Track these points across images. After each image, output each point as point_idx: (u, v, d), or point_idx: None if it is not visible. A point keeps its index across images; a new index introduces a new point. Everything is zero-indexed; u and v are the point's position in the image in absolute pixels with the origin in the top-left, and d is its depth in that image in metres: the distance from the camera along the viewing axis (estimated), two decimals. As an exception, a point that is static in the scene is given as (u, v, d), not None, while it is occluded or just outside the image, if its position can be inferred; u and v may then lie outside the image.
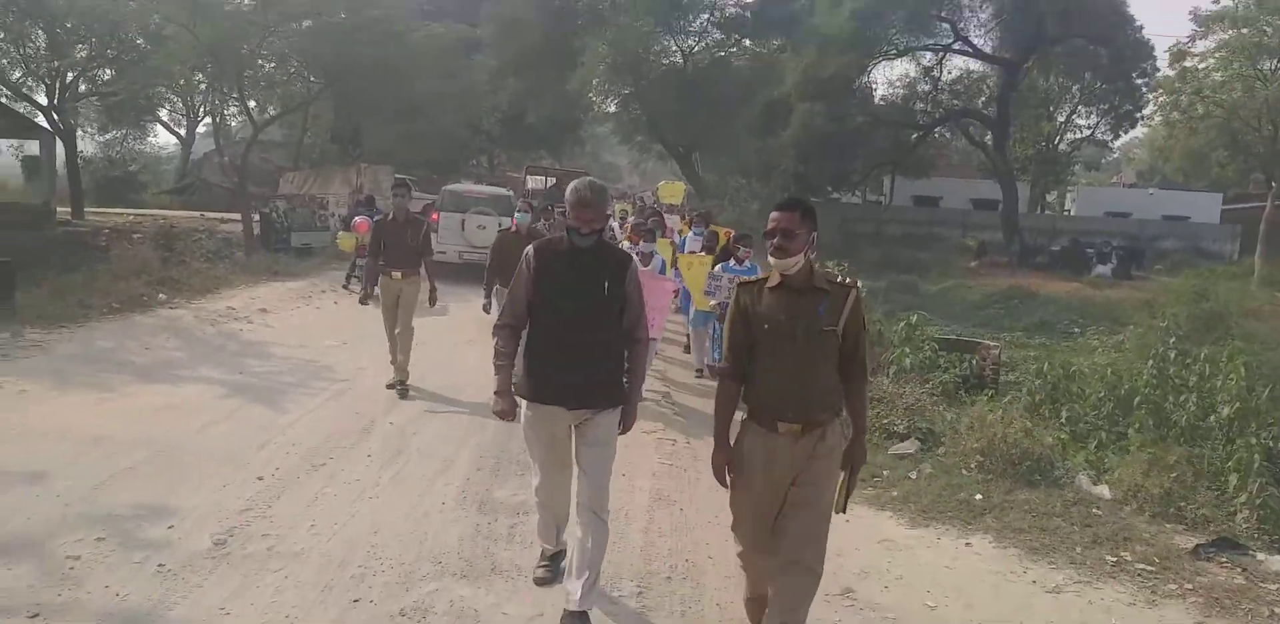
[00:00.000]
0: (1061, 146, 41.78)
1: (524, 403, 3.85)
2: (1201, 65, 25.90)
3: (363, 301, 8.31)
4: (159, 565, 4.13)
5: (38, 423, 6.04)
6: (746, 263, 8.50)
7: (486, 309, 8.21)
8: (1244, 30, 24.64)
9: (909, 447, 6.58)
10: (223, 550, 4.34)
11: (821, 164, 32.41)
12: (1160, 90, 26.85)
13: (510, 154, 45.25)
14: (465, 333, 10.45)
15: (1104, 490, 5.73)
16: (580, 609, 3.67)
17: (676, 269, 9.74)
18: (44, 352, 8.18)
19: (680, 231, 13.70)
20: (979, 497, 5.52)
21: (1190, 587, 4.46)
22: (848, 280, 3.53)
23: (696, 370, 9.53)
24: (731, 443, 3.49)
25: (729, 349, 3.47)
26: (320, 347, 9.37)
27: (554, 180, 28.09)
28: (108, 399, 6.79)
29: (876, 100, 36.52)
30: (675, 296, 8.94)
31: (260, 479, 5.32)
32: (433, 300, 7.83)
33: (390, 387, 7.65)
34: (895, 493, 5.81)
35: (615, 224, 15.18)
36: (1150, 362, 10.20)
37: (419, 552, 4.45)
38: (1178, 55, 26.09)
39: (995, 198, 34.97)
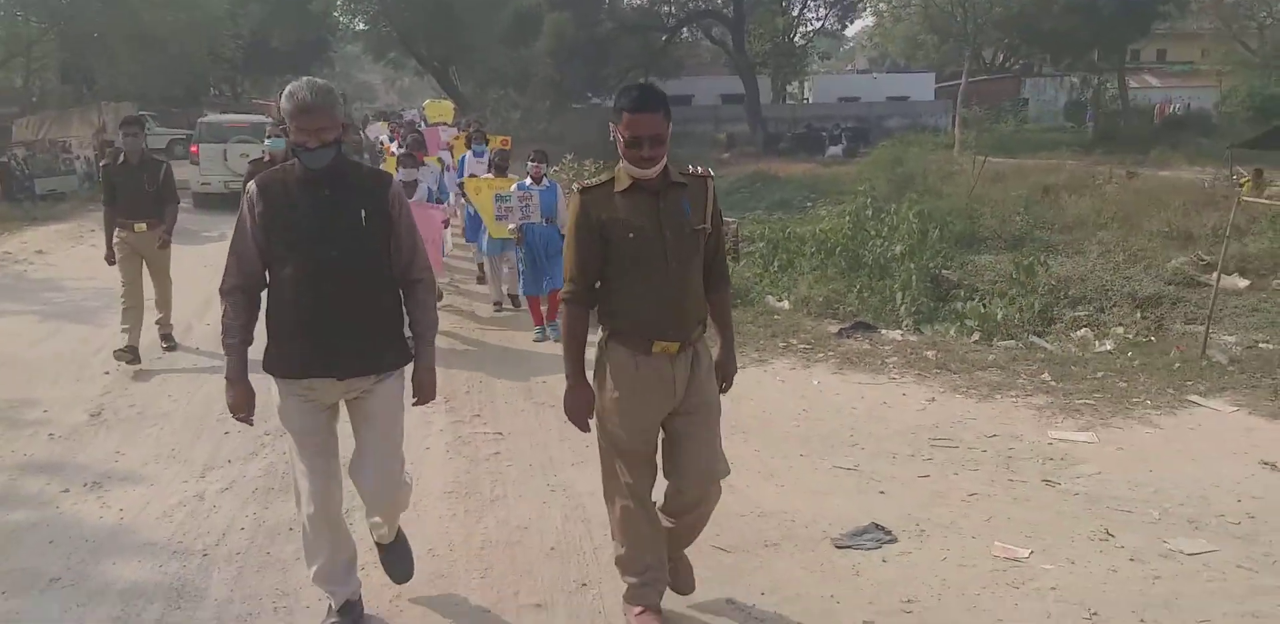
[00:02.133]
0: (797, 39, 44.78)
1: (274, 383, 2.94)
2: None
3: (109, 260, 6.69)
4: (49, 434, 5.12)
5: None
6: (545, 181, 7.48)
7: None
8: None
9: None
10: (99, 420, 5.37)
11: (576, 70, 33.63)
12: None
13: (255, 80, 43.46)
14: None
15: (785, 304, 7.67)
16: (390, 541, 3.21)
17: (463, 193, 8.82)
18: None
19: (452, 148, 12.47)
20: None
21: (832, 354, 6.41)
22: (699, 169, 3.02)
23: (495, 303, 8.37)
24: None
25: (577, 269, 2.90)
26: (110, 275, 9.90)
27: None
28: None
29: (623, 5, 37.88)
30: (446, 226, 8.27)
31: (107, 373, 6.26)
32: (162, 242, 6.66)
33: (126, 358, 6.27)
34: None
35: (384, 137, 14.50)
36: (847, 218, 12.49)
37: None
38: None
39: (742, 92, 37.41)
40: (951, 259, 11.48)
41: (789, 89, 50.32)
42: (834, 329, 6.89)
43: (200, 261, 8.64)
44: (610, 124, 2.82)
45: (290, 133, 2.85)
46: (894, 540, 3.79)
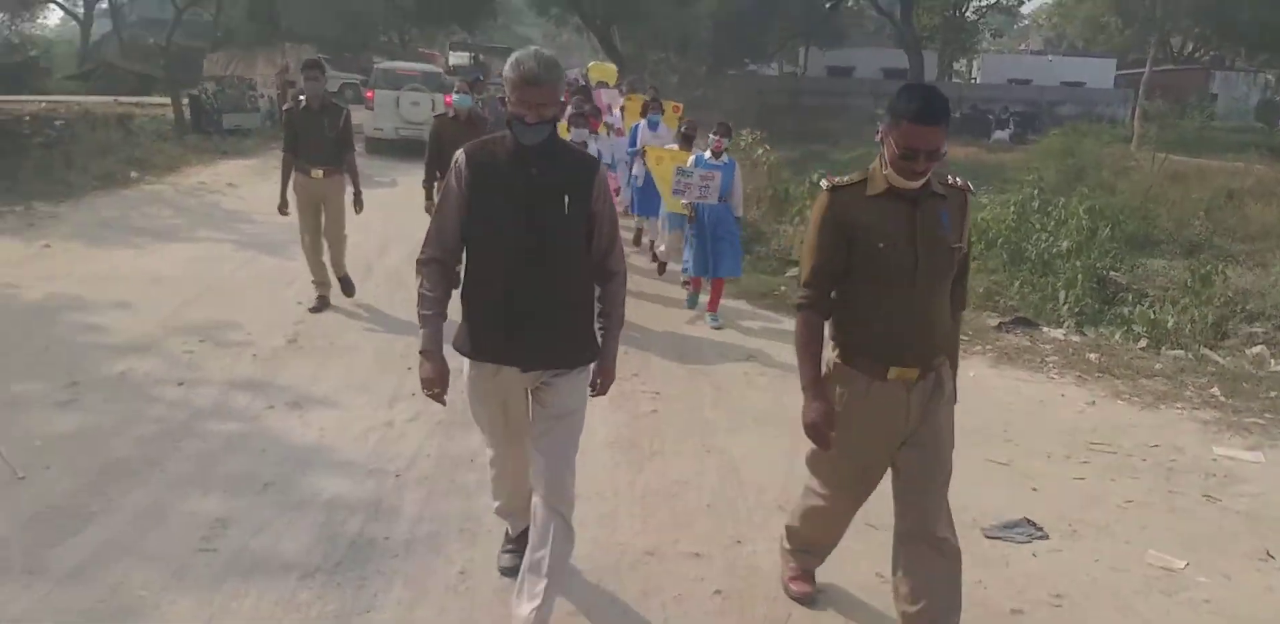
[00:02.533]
0: (969, 15, 43.08)
1: (465, 362, 2.92)
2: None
3: (281, 210, 6.61)
4: (253, 355, 5.64)
5: (98, 271, 7.37)
6: (724, 156, 7.14)
7: (429, 210, 6.70)
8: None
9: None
10: (296, 345, 5.88)
11: (737, 35, 33.33)
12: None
13: (421, 28, 44.74)
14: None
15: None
16: None
17: (642, 160, 8.42)
18: (61, 221, 9.32)
19: (623, 109, 11.38)
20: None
21: (990, 347, 6.37)
22: (958, 180, 2.73)
23: (659, 262, 8.51)
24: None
25: (815, 273, 2.70)
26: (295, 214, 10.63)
27: (478, 56, 28.40)
28: (142, 254, 8.09)
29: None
30: (616, 194, 7.72)
31: (299, 304, 6.80)
32: (359, 205, 6.73)
33: (315, 309, 6.62)
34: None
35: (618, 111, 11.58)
36: (1012, 209, 12.17)
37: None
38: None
39: (906, 67, 36.34)
40: (1121, 260, 11.03)
41: (956, 66, 48.66)
42: (993, 322, 6.84)
43: (375, 204, 9.08)
44: (880, 125, 2.60)
45: (509, 103, 2.70)
46: (1045, 537, 3.85)
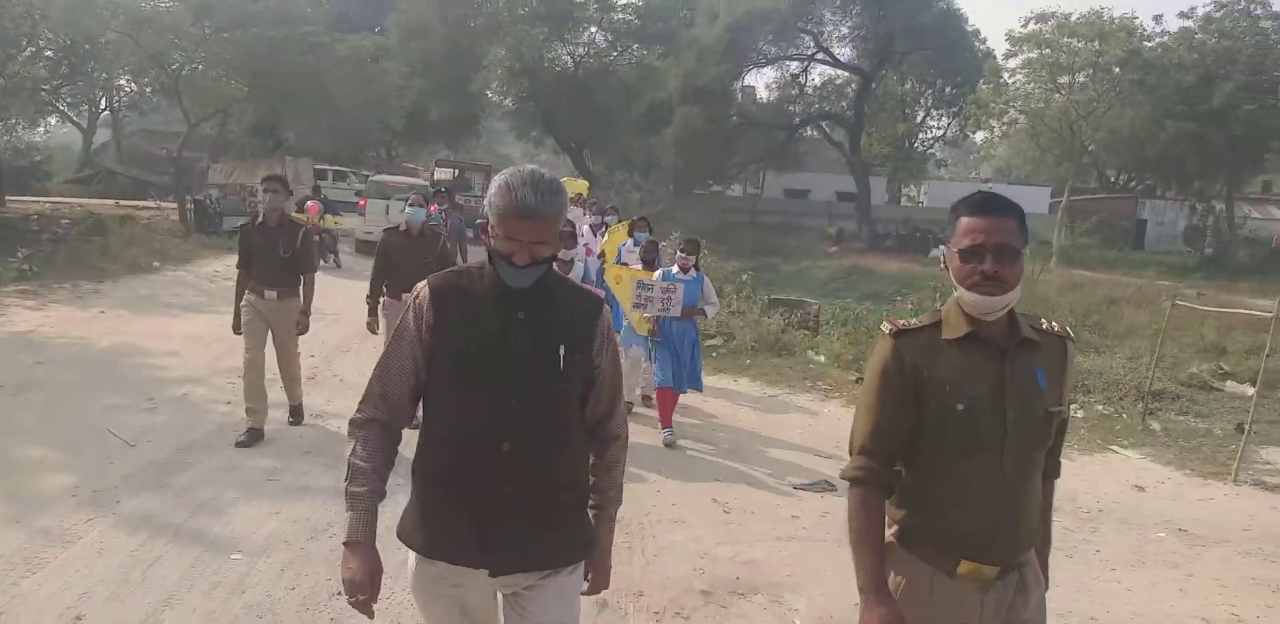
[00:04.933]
0: (918, 146, 46.91)
1: (411, 556, 2.18)
2: (1011, 80, 30.72)
3: (236, 329, 6.16)
4: (280, 387, 7.38)
5: (148, 329, 9.14)
6: (693, 272, 6.97)
7: (372, 328, 6.71)
8: (1046, 51, 29.47)
9: (717, 341, 10.23)
10: (313, 382, 7.62)
11: (700, 160, 36.44)
12: (976, 102, 31.60)
13: (408, 146, 47.93)
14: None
15: (820, 358, 9.56)
16: None
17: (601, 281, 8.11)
18: (104, 295, 11.14)
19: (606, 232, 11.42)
20: (748, 361, 9.27)
21: (846, 395, 8.28)
22: (1055, 326, 2.16)
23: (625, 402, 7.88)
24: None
25: (873, 438, 2.09)
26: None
27: (462, 171, 31.02)
28: (179, 320, 9.89)
29: (751, 103, 40.89)
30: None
31: (312, 356, 8.56)
32: (301, 326, 6.23)
33: (243, 443, 5.78)
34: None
35: (585, 227, 12.07)
36: (909, 305, 14.32)
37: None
38: (994, 71, 30.82)
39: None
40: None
41: (905, 191, 52.36)
42: (854, 378, 8.77)
43: (359, 293, 10.32)
44: (940, 250, 2.13)
45: (492, 234, 2.07)
46: None
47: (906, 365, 2.03)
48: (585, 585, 2.28)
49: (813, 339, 10.92)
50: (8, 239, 15.88)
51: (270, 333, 6.16)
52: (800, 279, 27.42)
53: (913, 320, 2.13)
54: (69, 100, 32.12)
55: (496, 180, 2.05)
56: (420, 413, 2.17)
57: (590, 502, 2.27)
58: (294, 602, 3.76)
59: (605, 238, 11.09)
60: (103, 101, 39.64)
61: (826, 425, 7.43)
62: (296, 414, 6.46)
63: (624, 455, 2.33)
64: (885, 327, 2.13)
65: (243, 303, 6.11)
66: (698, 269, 7.06)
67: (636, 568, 4.33)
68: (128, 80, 27.68)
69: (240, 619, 3.59)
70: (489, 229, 2.08)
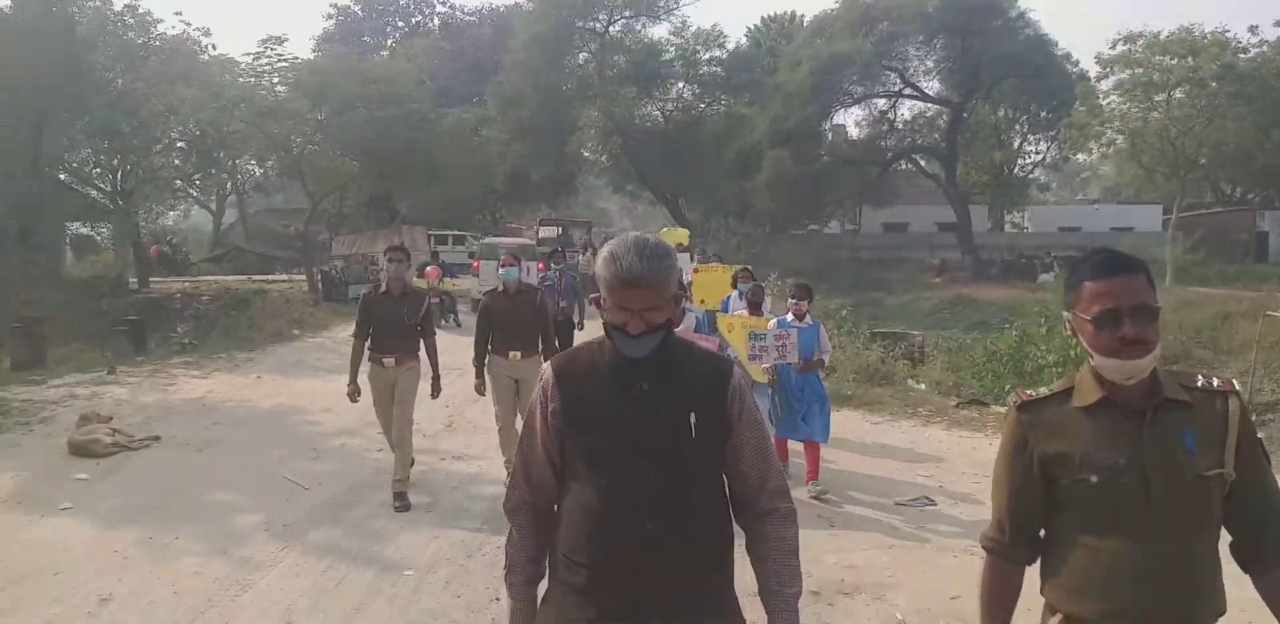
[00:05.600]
0: (1017, 172, 46.41)
1: None
2: (1105, 101, 30.42)
3: (352, 396, 6.41)
4: (423, 434, 8.19)
5: (302, 391, 10.17)
6: (808, 319, 6.81)
7: (480, 390, 6.66)
8: (1138, 70, 29.16)
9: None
10: (451, 428, 8.42)
11: (793, 202, 36.98)
12: (1071, 125, 31.38)
13: (510, 207, 49.97)
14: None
15: (921, 386, 9.92)
16: None
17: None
18: (257, 363, 12.34)
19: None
20: (849, 392, 9.72)
21: (946, 419, 8.62)
22: (1214, 382, 1.94)
23: None
24: None
25: (1006, 512, 2.01)
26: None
27: (564, 228, 32.32)
28: (328, 381, 10.84)
29: (842, 142, 41.38)
30: None
31: (447, 406, 9.39)
32: (436, 391, 6.45)
33: (398, 506, 5.97)
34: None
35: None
36: (1014, 332, 14.51)
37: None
38: (1086, 94, 30.60)
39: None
40: (1105, 370, 13.17)
41: (1009, 217, 51.66)
42: (953, 402, 9.12)
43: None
44: (1064, 317, 1.98)
45: (605, 308, 2.03)
46: (933, 503, 6.01)
47: (1031, 441, 1.94)
48: None
49: (913, 369, 11.27)
50: (157, 318, 17.56)
51: (392, 398, 6.26)
52: (904, 312, 27.49)
53: (1042, 390, 2.02)
54: (201, 186, 35.01)
55: (602, 252, 1.99)
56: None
57: (762, 589, 2.09)
58: (460, 606, 4.43)
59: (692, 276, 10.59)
60: (228, 185, 42.96)
61: (929, 448, 7.82)
62: (401, 500, 6.03)
63: (791, 531, 2.10)
64: (1013, 398, 2.04)
65: (364, 376, 6.26)
66: (811, 316, 6.85)
67: (748, 573, 4.86)
68: (254, 165, 30.13)
69: (418, 621, 4.28)
70: (600, 302, 2.04)
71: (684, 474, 2.00)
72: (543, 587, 2.15)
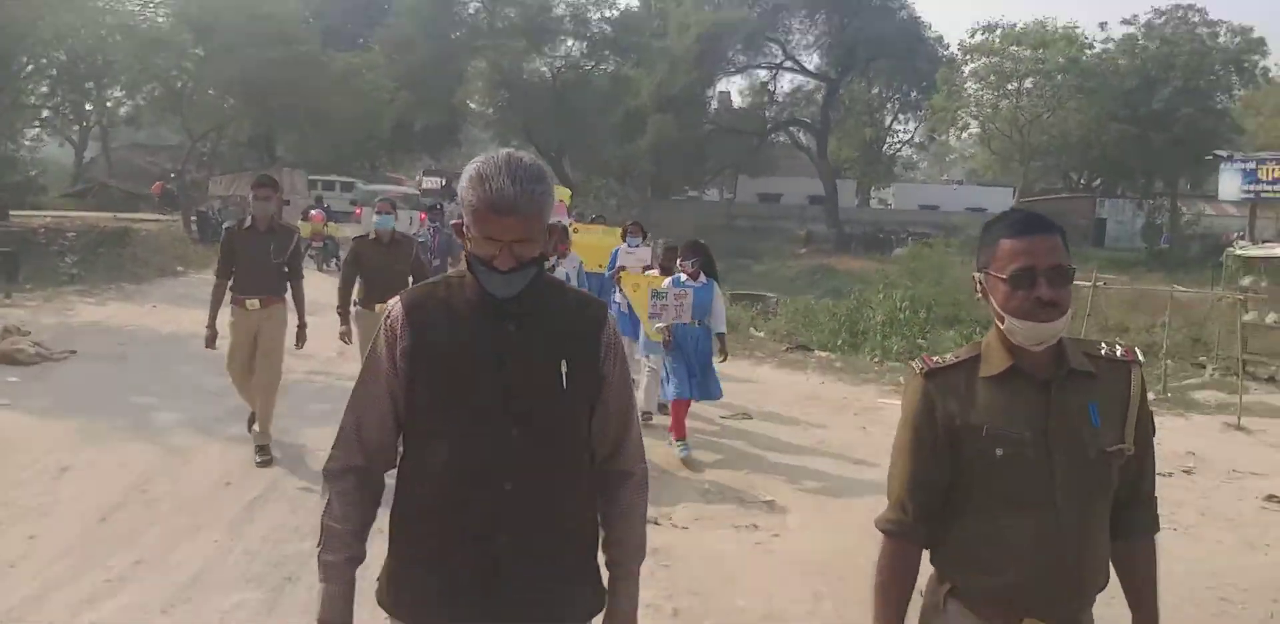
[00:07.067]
0: (886, 149, 49.03)
1: None
2: (965, 87, 32.88)
3: (209, 342, 5.98)
4: (316, 360, 9.13)
5: (194, 320, 10.82)
6: (702, 278, 6.75)
7: (345, 338, 6.40)
8: (994, 59, 31.60)
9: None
10: (344, 357, 9.36)
11: (674, 166, 38.44)
12: (933, 108, 33.76)
13: (392, 156, 49.69)
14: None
15: (760, 334, 11.44)
16: None
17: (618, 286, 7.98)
18: (148, 295, 12.92)
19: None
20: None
21: (776, 360, 10.10)
22: (1118, 351, 1.89)
23: (644, 412, 7.12)
24: None
25: (906, 489, 1.90)
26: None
27: (448, 180, 32.79)
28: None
29: (725, 109, 43.00)
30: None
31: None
32: (301, 340, 5.99)
33: (261, 463, 5.59)
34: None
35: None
36: (853, 298, 16.30)
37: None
38: (945, 79, 32.94)
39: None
40: (928, 332, 15.03)
41: (875, 194, 54.50)
42: (783, 347, 10.65)
43: None
44: (974, 277, 1.86)
45: (469, 238, 1.72)
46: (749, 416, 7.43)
47: (938, 411, 1.83)
48: None
49: (761, 322, 12.79)
50: (24, 252, 17.42)
51: (254, 344, 5.73)
52: (769, 279, 29.47)
53: (947, 357, 1.91)
54: (73, 116, 33.80)
55: (467, 170, 1.70)
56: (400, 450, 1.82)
57: (607, 556, 1.89)
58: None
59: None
60: (93, 118, 41.29)
61: (757, 379, 9.28)
62: (265, 452, 5.68)
63: (642, 498, 1.92)
64: (917, 364, 1.91)
65: (229, 320, 5.76)
66: (708, 274, 6.79)
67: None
68: (124, 97, 29.41)
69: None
70: (464, 230, 1.72)
71: (550, 430, 1.76)
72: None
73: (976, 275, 1.84)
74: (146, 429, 6.33)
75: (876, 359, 10.64)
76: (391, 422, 1.79)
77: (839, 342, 12.81)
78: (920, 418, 1.86)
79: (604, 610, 1.88)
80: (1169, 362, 10.14)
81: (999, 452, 1.78)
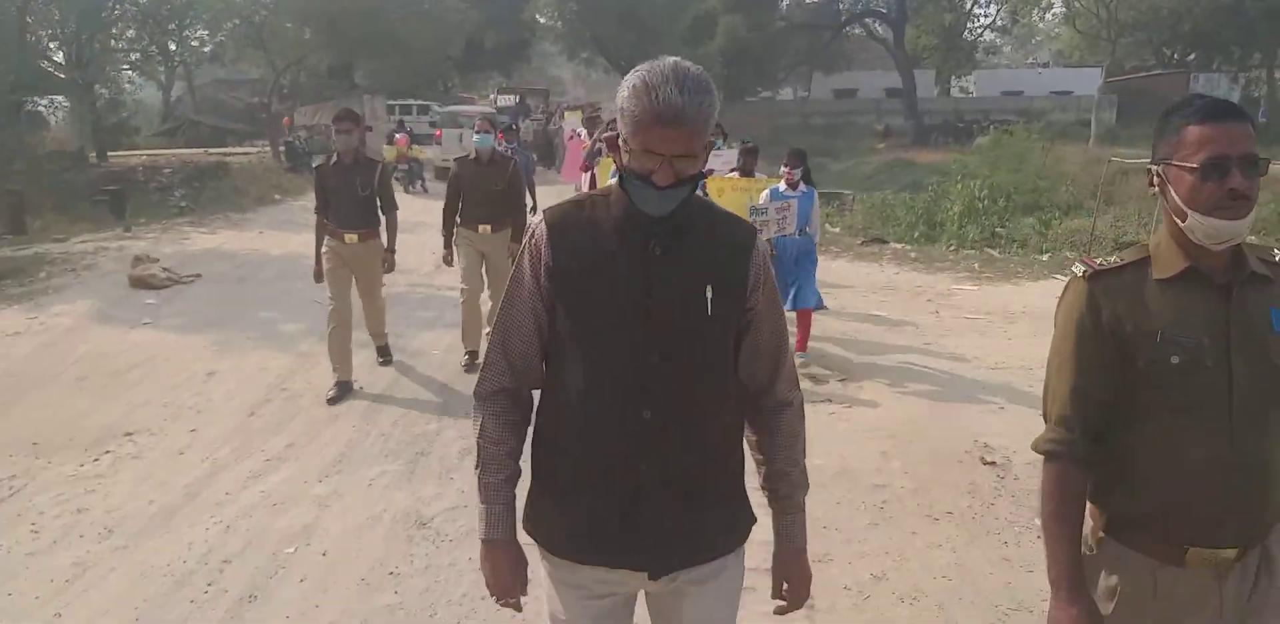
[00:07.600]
0: (967, 35, 47.06)
1: (546, 559, 1.81)
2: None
3: (318, 277, 5.95)
4: (418, 274, 9.76)
5: (301, 242, 11.62)
6: (801, 186, 6.53)
7: (448, 261, 6.43)
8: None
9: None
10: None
11: (746, 68, 37.70)
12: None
13: (463, 76, 49.83)
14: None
15: (836, 229, 11.66)
16: None
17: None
18: (252, 222, 13.76)
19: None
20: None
21: (852, 254, 10.38)
22: None
23: None
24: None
25: (1071, 403, 1.73)
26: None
27: (522, 97, 32.97)
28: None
29: (794, 5, 41.71)
30: None
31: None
32: (388, 264, 6.05)
33: (333, 399, 5.66)
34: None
35: (581, 130, 12.24)
36: (931, 189, 16.26)
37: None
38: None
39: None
40: (1007, 220, 14.98)
41: (956, 82, 52.57)
42: (859, 241, 10.87)
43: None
44: (1149, 170, 1.72)
45: (626, 151, 1.60)
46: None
47: (1104, 315, 1.68)
48: (781, 600, 1.84)
49: (837, 219, 12.99)
50: (126, 190, 18.39)
51: (354, 279, 5.89)
52: (846, 176, 29.11)
53: (1113, 259, 1.76)
54: (158, 57, 34.81)
55: (629, 80, 1.57)
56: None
57: (769, 489, 1.83)
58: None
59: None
60: (178, 57, 42.36)
61: (835, 277, 9.59)
62: (385, 354, 6.40)
63: (803, 427, 1.84)
64: (1078, 268, 1.76)
65: (324, 249, 5.83)
66: (807, 182, 6.58)
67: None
68: (207, 35, 30.16)
69: (447, 382, 5.99)
70: (620, 143, 1.61)
71: (691, 357, 1.67)
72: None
73: (1153, 168, 1.69)
74: (276, 339, 7.06)
75: (952, 247, 10.79)
76: (536, 342, 1.74)
77: (915, 234, 12.93)
78: (1085, 324, 1.70)
79: (773, 549, 1.82)
80: None
81: (1175, 360, 1.64)
